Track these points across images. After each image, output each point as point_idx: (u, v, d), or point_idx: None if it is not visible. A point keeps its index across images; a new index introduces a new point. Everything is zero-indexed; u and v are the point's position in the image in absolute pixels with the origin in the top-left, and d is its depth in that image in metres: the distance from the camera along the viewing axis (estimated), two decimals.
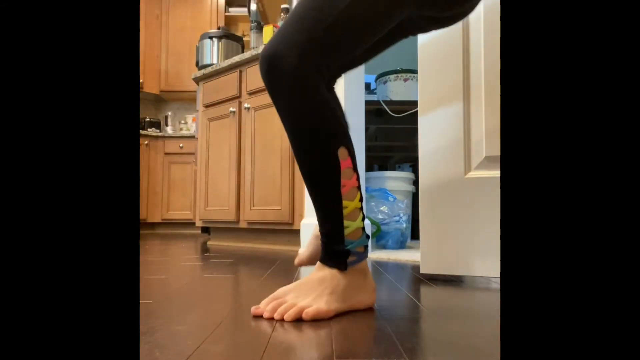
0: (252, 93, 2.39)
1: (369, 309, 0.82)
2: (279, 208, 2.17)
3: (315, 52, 0.72)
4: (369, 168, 2.74)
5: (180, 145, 4.15)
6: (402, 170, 2.79)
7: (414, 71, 2.40)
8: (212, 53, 2.99)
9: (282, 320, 0.72)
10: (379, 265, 1.55)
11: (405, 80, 2.43)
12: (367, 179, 2.21)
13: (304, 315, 0.72)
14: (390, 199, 2.16)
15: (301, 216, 2.10)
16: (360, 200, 0.80)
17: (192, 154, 4.05)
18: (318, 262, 0.80)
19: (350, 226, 0.77)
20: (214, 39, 3.00)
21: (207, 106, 2.69)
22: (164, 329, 0.66)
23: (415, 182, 2.35)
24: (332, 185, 0.76)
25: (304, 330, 0.67)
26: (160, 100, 4.76)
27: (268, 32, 2.37)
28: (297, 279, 1.17)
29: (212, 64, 2.95)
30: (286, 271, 1.35)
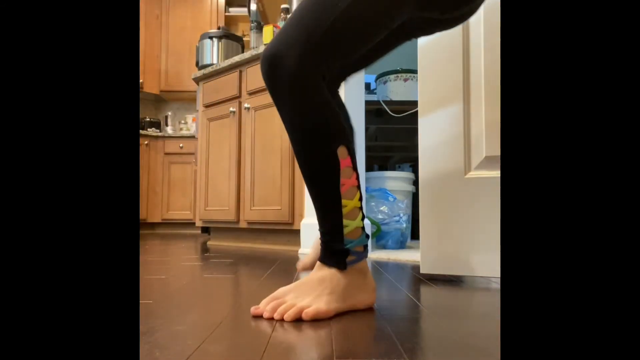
0: (252, 93, 2.39)
1: (369, 309, 0.82)
2: (279, 208, 2.17)
3: (315, 52, 0.72)
4: (369, 168, 2.74)
5: (180, 145, 4.15)
6: (402, 170, 2.79)
7: (414, 71, 2.40)
8: (212, 53, 2.99)
9: (282, 320, 0.72)
10: (379, 265, 1.55)
11: (405, 80, 2.43)
12: (367, 179, 2.21)
13: (303, 316, 0.72)
14: (390, 199, 2.16)
15: (301, 216, 2.10)
16: (360, 199, 0.80)
17: (192, 154, 4.05)
18: (318, 262, 0.80)
19: (349, 225, 0.78)
20: (214, 39, 3.00)
21: (207, 106, 2.69)
22: (164, 329, 0.66)
23: (415, 182, 2.35)
24: (331, 183, 0.76)
25: (304, 330, 0.67)
26: (160, 100, 4.76)
27: (268, 32, 2.37)
28: (297, 279, 1.17)
29: (212, 64, 2.95)
30: (286, 271, 1.35)
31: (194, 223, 3.93)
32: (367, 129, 2.34)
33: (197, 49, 3.08)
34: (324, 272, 0.78)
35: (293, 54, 0.72)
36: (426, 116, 1.24)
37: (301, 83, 0.72)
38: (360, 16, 0.74)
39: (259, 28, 2.74)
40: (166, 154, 4.16)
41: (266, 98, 2.29)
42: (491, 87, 1.15)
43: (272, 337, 0.63)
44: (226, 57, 2.97)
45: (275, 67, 0.73)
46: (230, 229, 2.55)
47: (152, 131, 4.25)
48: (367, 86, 2.67)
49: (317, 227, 0.81)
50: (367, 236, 0.82)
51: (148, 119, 4.42)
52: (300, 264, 0.92)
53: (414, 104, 2.24)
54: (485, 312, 0.80)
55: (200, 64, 3.03)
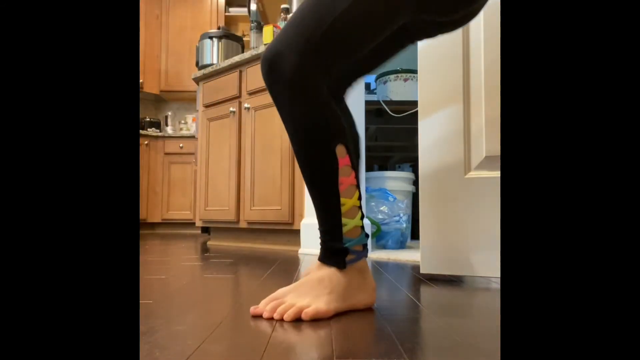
0: (252, 93, 2.39)
1: (369, 309, 0.82)
2: (279, 208, 2.17)
3: (315, 53, 0.73)
4: (369, 168, 2.74)
5: (180, 145, 4.15)
6: (402, 170, 2.79)
7: (414, 71, 2.40)
8: (212, 53, 2.99)
9: (281, 320, 0.72)
10: (379, 265, 1.55)
11: (405, 80, 2.43)
12: (367, 179, 2.21)
13: (303, 316, 0.72)
14: (390, 199, 2.16)
15: (301, 216, 2.10)
16: (359, 199, 0.80)
17: (192, 154, 4.05)
18: (317, 262, 0.80)
19: (348, 224, 0.78)
20: (214, 39, 3.00)
21: (207, 106, 2.69)
22: (164, 329, 0.66)
23: (415, 182, 2.35)
24: (329, 181, 0.76)
25: (304, 330, 0.67)
26: (160, 100, 4.76)
27: (268, 32, 2.37)
28: (297, 279, 1.17)
29: (212, 64, 2.95)
30: (286, 271, 1.35)
31: (194, 223, 3.93)
32: (367, 129, 2.34)
33: (197, 49, 3.08)
34: (323, 272, 0.78)
35: (292, 54, 0.72)
36: (426, 116, 1.24)
37: (300, 83, 0.73)
38: (360, 17, 0.74)
39: (259, 28, 2.74)
40: (166, 154, 4.16)
41: (266, 98, 2.29)
42: (491, 87, 1.15)
43: (272, 337, 0.63)
44: (226, 57, 2.97)
45: (274, 67, 0.74)
46: (230, 229, 2.55)
47: (152, 131, 4.25)
48: (367, 86, 2.67)
49: (317, 227, 0.81)
50: (367, 236, 0.82)
51: (148, 119, 4.43)
52: (305, 272, 0.92)
53: (414, 104, 2.24)
54: (486, 312, 0.80)
55: (200, 64, 3.03)
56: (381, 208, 2.15)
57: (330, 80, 0.78)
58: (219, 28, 3.18)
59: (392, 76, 2.45)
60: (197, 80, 2.81)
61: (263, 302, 0.77)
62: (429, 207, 1.22)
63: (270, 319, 0.73)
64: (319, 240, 0.81)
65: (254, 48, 2.49)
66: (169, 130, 4.51)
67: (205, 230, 3.08)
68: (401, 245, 2.15)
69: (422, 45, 1.25)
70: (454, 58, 1.20)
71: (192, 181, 4.09)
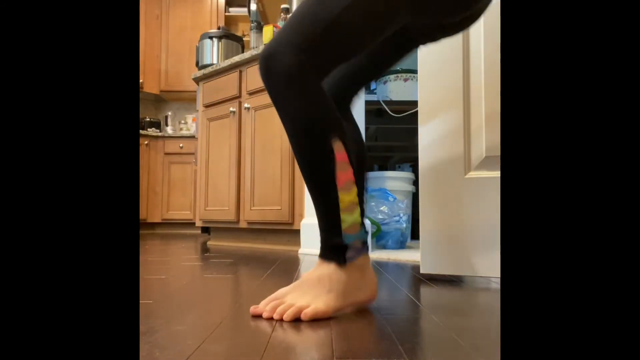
0: (252, 93, 2.39)
1: (370, 309, 0.82)
2: (279, 208, 2.17)
3: (311, 51, 0.73)
4: (369, 168, 2.74)
5: (180, 145, 4.15)
6: (402, 170, 2.79)
7: (414, 71, 2.40)
8: (212, 53, 2.99)
9: (281, 320, 0.72)
10: (379, 265, 1.55)
11: (405, 80, 2.43)
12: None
13: (302, 316, 0.72)
14: (390, 199, 2.16)
15: (301, 216, 2.10)
16: (359, 195, 0.79)
17: (192, 154, 4.05)
18: (318, 260, 0.80)
19: (346, 220, 0.77)
20: (214, 39, 3.00)
21: (207, 106, 2.69)
22: (164, 329, 0.66)
23: (415, 182, 2.35)
24: (326, 176, 0.76)
25: (304, 330, 0.67)
26: (160, 100, 4.76)
27: (268, 32, 2.37)
28: (297, 279, 1.17)
29: (212, 64, 2.95)
30: (286, 271, 1.35)
31: (194, 223, 3.93)
32: (367, 129, 2.34)
33: (197, 49, 3.08)
34: (323, 270, 0.78)
35: (289, 52, 0.73)
36: (426, 116, 1.24)
37: (296, 80, 0.73)
38: (359, 17, 0.75)
39: (259, 28, 2.74)
40: (166, 154, 4.16)
41: (266, 98, 2.29)
42: (491, 87, 1.15)
43: (272, 337, 0.63)
44: (226, 57, 2.97)
45: (271, 65, 0.74)
46: (230, 229, 2.55)
47: (152, 131, 4.25)
48: (367, 86, 2.67)
49: (317, 226, 0.81)
50: (367, 232, 0.82)
51: (148, 119, 4.42)
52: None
53: (414, 104, 2.24)
54: (485, 312, 0.80)
55: (200, 64, 3.03)
56: (381, 208, 2.15)
57: (327, 77, 0.78)
58: (219, 28, 3.18)
59: (392, 76, 2.45)
60: (197, 80, 2.80)
61: (263, 302, 0.77)
62: (429, 207, 1.22)
63: (270, 319, 0.73)
64: (320, 239, 0.81)
65: (254, 48, 2.49)
66: (169, 130, 4.51)
67: (205, 230, 3.08)
68: (401, 245, 2.15)
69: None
70: (453, 58, 1.20)
71: (192, 181, 4.09)
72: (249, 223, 2.34)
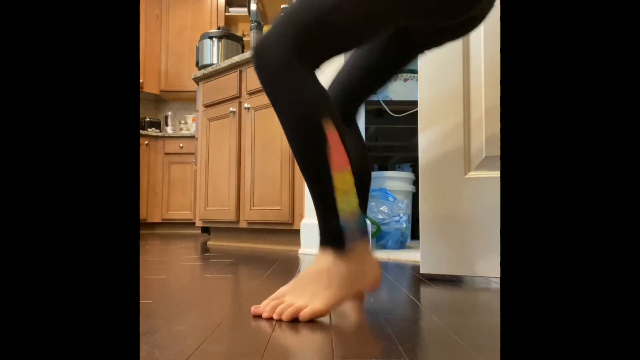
0: (252, 93, 2.39)
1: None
2: (279, 208, 2.17)
3: (303, 43, 0.73)
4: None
5: (180, 145, 4.15)
6: (402, 170, 2.79)
7: (414, 71, 2.39)
8: (212, 53, 2.99)
9: (281, 320, 0.72)
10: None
11: (405, 80, 2.43)
12: None
13: (300, 317, 0.72)
14: (390, 199, 2.16)
15: (301, 216, 2.10)
16: (356, 183, 0.78)
17: (192, 154, 4.05)
18: (318, 249, 0.79)
19: (342, 203, 0.75)
20: (214, 39, 3.00)
21: (207, 106, 2.69)
22: (164, 329, 0.66)
23: (415, 182, 2.35)
24: (319, 157, 0.74)
25: (304, 331, 0.67)
26: (160, 100, 4.76)
27: None
28: None
29: (212, 64, 2.95)
30: (286, 271, 1.35)
31: (194, 223, 3.93)
32: (367, 129, 2.34)
33: (197, 49, 3.08)
34: (321, 263, 0.77)
35: (280, 44, 0.73)
36: (426, 116, 1.24)
37: (288, 71, 0.73)
38: (354, 9, 0.74)
39: (259, 28, 2.74)
40: (166, 154, 4.16)
41: (266, 98, 2.29)
42: (491, 87, 1.15)
43: (272, 337, 0.63)
44: (226, 57, 2.97)
45: (263, 57, 0.75)
46: (230, 229, 2.55)
47: (152, 131, 4.25)
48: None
49: (317, 227, 0.81)
50: (365, 221, 0.80)
51: (148, 119, 4.42)
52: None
53: (414, 104, 2.24)
54: (485, 312, 0.80)
55: (200, 64, 3.03)
56: (381, 208, 2.15)
57: (319, 67, 0.78)
58: (219, 28, 3.18)
59: None
60: (197, 80, 2.80)
61: (264, 302, 0.77)
62: (429, 207, 1.22)
63: (270, 318, 0.73)
64: (318, 229, 0.80)
65: None
66: (169, 130, 4.51)
67: (205, 230, 3.08)
68: (401, 245, 2.15)
69: None
70: (454, 58, 1.20)
71: (192, 181, 4.09)
72: (249, 223, 2.34)
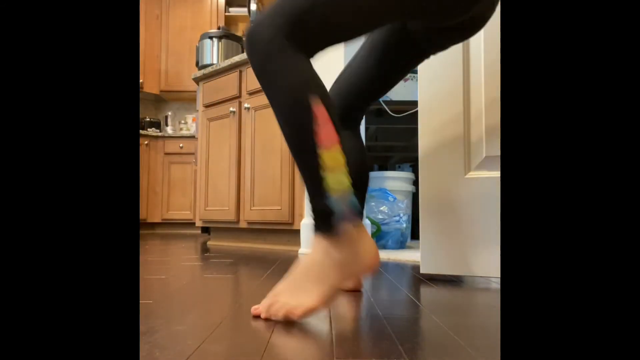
0: (252, 93, 2.39)
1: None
2: (279, 208, 2.17)
3: (294, 27, 0.72)
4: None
5: (180, 145, 4.15)
6: (402, 170, 2.79)
7: (414, 71, 2.40)
8: (212, 53, 2.99)
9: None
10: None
11: (405, 80, 2.43)
12: None
13: (294, 318, 0.72)
14: (390, 199, 2.16)
15: (301, 216, 2.10)
16: (356, 184, 0.76)
17: (192, 154, 4.05)
18: (315, 238, 0.78)
19: (330, 180, 0.72)
20: (214, 39, 3.00)
21: (207, 106, 2.69)
22: (164, 329, 0.66)
23: (415, 182, 2.35)
24: (305, 133, 0.72)
25: (304, 331, 0.67)
26: (160, 100, 4.76)
27: None
28: None
29: (212, 64, 2.95)
30: (286, 271, 1.35)
31: (194, 223, 3.93)
32: (367, 129, 2.34)
33: (197, 49, 3.08)
34: (314, 253, 0.75)
35: (273, 26, 0.72)
36: (426, 116, 1.24)
37: (278, 54, 0.72)
38: (347, 2, 0.74)
39: None
40: (166, 154, 4.16)
41: (266, 98, 2.29)
42: (491, 87, 1.15)
43: (272, 337, 0.63)
44: (226, 57, 2.97)
45: (254, 41, 0.74)
46: (230, 229, 2.55)
47: (152, 131, 4.25)
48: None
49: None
50: (357, 203, 0.76)
51: (148, 119, 4.42)
52: None
53: (414, 104, 2.24)
54: (485, 312, 0.80)
55: (200, 64, 3.03)
56: (381, 208, 2.15)
57: (312, 54, 0.77)
58: (219, 28, 3.18)
59: None
60: (197, 80, 2.80)
61: (263, 301, 0.77)
62: (429, 206, 1.22)
63: (268, 318, 0.74)
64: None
65: None
66: (169, 130, 4.51)
67: (205, 230, 3.08)
68: (401, 245, 2.15)
69: None
70: (454, 58, 1.20)
71: (192, 181, 4.09)
72: (249, 223, 2.34)
